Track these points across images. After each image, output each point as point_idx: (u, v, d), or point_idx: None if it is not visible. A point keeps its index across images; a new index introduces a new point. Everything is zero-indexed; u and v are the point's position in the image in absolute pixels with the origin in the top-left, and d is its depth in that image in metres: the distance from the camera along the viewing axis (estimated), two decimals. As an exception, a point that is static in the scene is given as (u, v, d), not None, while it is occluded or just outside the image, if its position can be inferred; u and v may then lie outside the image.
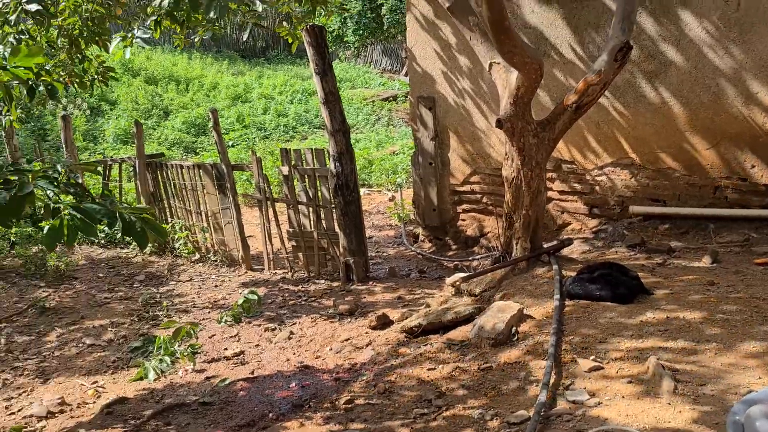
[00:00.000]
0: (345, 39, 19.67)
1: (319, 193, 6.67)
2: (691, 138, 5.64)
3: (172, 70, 20.06)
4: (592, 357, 3.35)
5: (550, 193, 6.25)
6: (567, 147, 6.17)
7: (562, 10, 5.99)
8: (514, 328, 3.95)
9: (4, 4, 4.42)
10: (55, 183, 2.83)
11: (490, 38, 4.07)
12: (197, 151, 15.38)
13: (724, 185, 5.59)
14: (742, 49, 5.27)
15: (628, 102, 5.84)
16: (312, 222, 6.76)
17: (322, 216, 6.70)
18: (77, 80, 5.66)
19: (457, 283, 5.39)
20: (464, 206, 7.11)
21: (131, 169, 8.59)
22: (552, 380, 3.19)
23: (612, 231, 5.93)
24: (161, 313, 5.96)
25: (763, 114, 5.29)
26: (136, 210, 2.71)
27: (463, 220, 7.15)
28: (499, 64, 4.54)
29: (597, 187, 6.18)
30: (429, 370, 3.91)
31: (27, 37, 4.59)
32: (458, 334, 4.36)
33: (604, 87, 4.48)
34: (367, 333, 5.03)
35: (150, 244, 6.85)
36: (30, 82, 3.90)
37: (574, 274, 4.48)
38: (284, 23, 7.52)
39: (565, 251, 5.31)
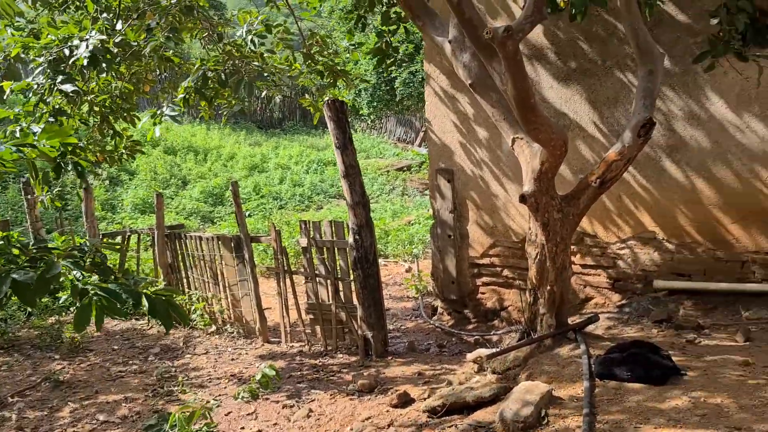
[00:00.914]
0: (360, 112, 20.02)
1: (338, 265, 6.62)
2: (715, 212, 5.58)
3: (191, 141, 20.48)
4: (628, 444, 3.20)
5: (573, 267, 6.17)
6: (589, 220, 6.13)
7: (580, 86, 6.06)
8: (543, 411, 3.80)
9: (39, 84, 4.55)
10: (81, 262, 2.81)
11: (515, 114, 4.09)
12: (214, 220, 15.49)
13: (751, 260, 5.49)
14: (765, 124, 5.28)
15: (650, 176, 5.82)
16: (330, 294, 6.68)
17: (341, 288, 6.63)
18: (108, 156, 5.77)
19: (480, 359, 5.25)
20: (484, 279, 7.02)
21: (149, 239, 8.62)
22: (587, 469, 3.03)
23: (637, 306, 5.81)
24: (176, 388, 5.83)
25: (788, 189, 5.25)
26: (162, 292, 2.67)
27: (483, 293, 7.05)
28: (522, 139, 4.55)
29: (620, 261, 6.09)
30: (455, 454, 3.75)
31: (63, 117, 4.70)
32: (484, 415, 4.20)
33: (627, 163, 4.46)
34: (387, 411, 4.87)
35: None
36: (57, 160, 3.95)
37: (602, 352, 4.35)
38: (306, 95, 7.67)
39: (590, 328, 5.18)
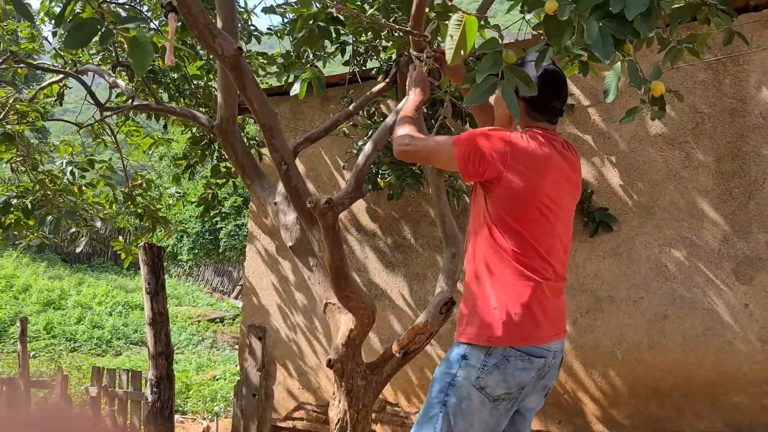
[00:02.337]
0: (179, 257, 19.50)
1: (129, 419, 6.12)
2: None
3: (-22, 267, 18.54)
4: None
5: (373, 436, 6.20)
6: (393, 389, 6.29)
7: (393, 260, 6.47)
8: None
9: None
10: None
11: (329, 281, 4.26)
12: (-11, 358, 13.78)
13: None
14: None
15: (448, 349, 6.17)
16: (115, 453, 6.09)
17: (128, 446, 6.09)
18: None
19: None
20: (284, 443, 6.80)
21: None
22: None
23: (431, 480, 5.89)
24: None
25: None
26: None
27: (282, 458, 6.80)
28: (333, 305, 4.70)
29: None
30: None
31: None
32: None
33: (430, 336, 4.74)
34: None
35: None
36: None
37: None
38: (120, 237, 7.40)
39: (385, 500, 5.15)
